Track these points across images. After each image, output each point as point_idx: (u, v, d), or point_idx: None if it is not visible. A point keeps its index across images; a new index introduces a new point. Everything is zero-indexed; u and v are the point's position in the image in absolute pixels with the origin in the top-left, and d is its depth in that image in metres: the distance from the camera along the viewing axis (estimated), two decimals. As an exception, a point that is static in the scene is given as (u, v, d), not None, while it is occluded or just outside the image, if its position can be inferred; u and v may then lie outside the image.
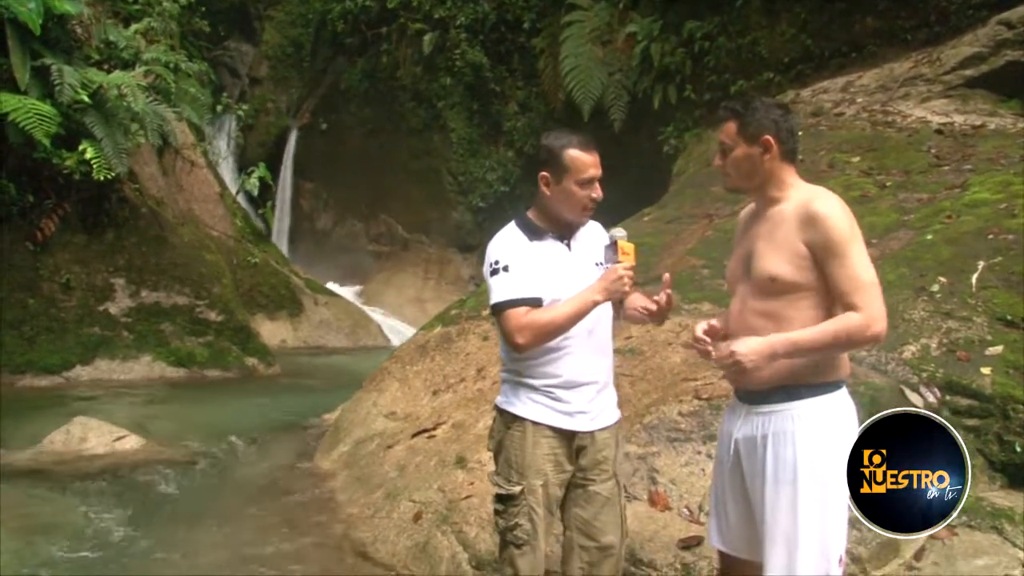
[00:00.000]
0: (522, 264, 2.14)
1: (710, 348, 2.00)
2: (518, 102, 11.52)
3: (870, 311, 1.81)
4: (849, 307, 1.83)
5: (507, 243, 2.19)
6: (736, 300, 2.04)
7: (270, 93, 14.49)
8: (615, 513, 2.27)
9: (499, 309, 2.12)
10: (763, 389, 1.93)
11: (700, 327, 2.04)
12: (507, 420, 2.23)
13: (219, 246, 9.59)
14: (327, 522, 3.93)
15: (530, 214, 2.24)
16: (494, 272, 2.15)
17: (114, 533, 3.83)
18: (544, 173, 2.17)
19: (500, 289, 2.13)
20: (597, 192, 2.17)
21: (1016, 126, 5.57)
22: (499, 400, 2.29)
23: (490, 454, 3.50)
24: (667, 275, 2.22)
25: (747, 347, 1.86)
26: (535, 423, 2.17)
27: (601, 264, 2.20)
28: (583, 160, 2.14)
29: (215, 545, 3.70)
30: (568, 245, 2.22)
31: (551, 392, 2.17)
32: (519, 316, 2.09)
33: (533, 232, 2.19)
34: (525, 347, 2.10)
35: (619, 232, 2.13)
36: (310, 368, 8.76)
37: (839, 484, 1.85)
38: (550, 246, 2.19)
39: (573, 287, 2.13)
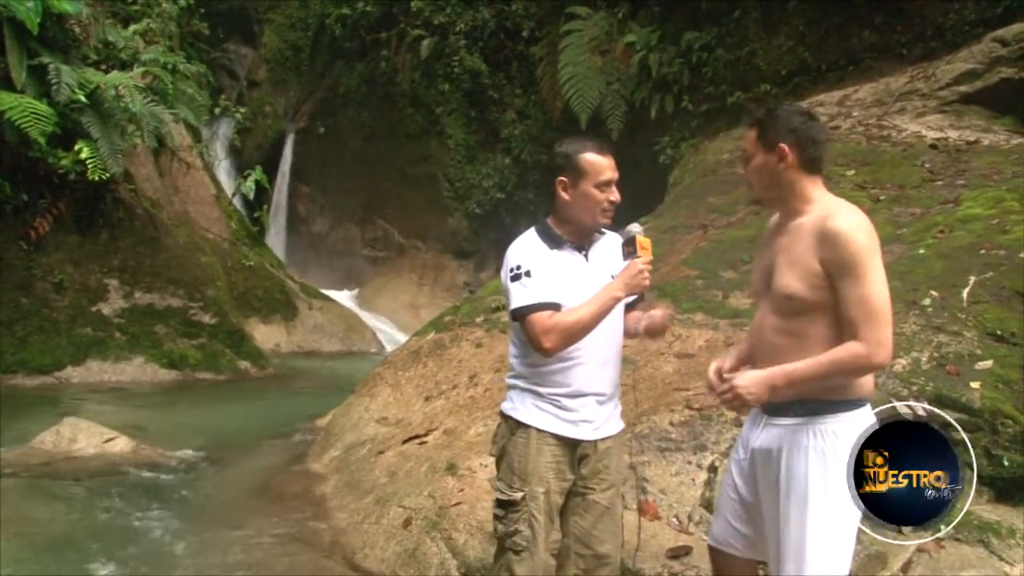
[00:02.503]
0: (544, 270, 2.14)
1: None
2: (516, 109, 11.54)
3: (876, 340, 1.75)
4: (854, 335, 1.77)
5: (528, 249, 2.19)
6: (759, 314, 2.02)
7: (268, 96, 14.49)
8: (613, 523, 2.28)
9: (522, 314, 2.12)
10: (783, 402, 1.90)
11: (712, 368, 2.01)
12: (511, 426, 2.23)
13: (214, 248, 9.58)
14: (316, 526, 3.92)
15: (549, 221, 2.25)
16: (515, 277, 2.15)
17: (100, 535, 3.81)
18: (562, 178, 2.18)
19: (522, 294, 2.13)
20: (615, 195, 2.18)
21: (1009, 143, 5.62)
22: (504, 406, 2.29)
23: (481, 462, 3.53)
24: (660, 313, 2.24)
25: (745, 380, 1.85)
26: (539, 430, 2.18)
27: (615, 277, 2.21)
28: (599, 163, 2.16)
29: (202, 548, 3.69)
30: (586, 256, 2.23)
31: (557, 400, 2.18)
32: (544, 320, 2.09)
33: (553, 240, 2.20)
34: (553, 350, 2.10)
35: (636, 227, 2.14)
36: (303, 372, 8.75)
37: (850, 502, 1.82)
38: (568, 256, 2.20)
39: (588, 297, 2.14)
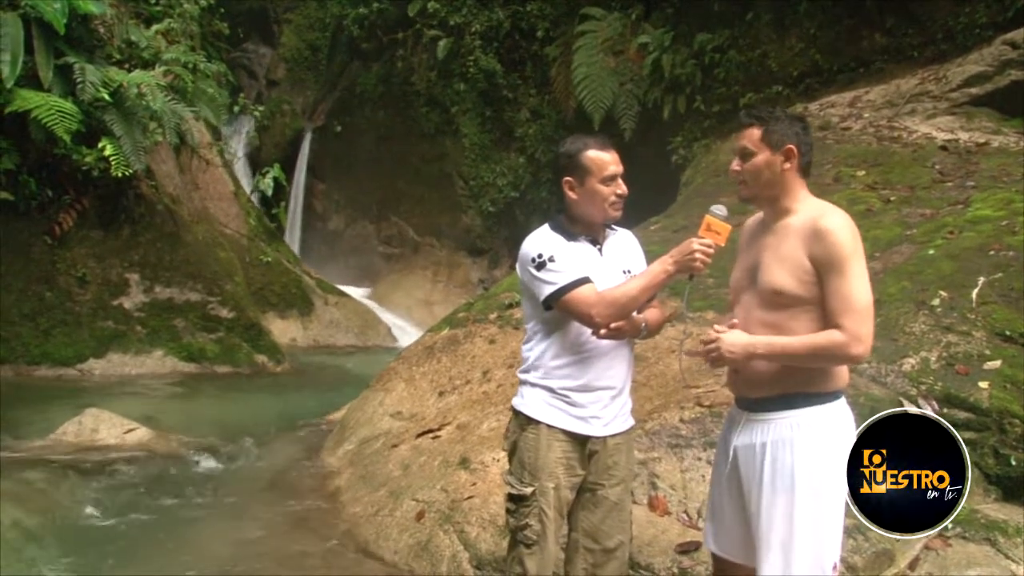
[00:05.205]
0: (564, 255, 2.18)
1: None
2: (530, 109, 11.58)
3: (856, 332, 1.83)
4: (835, 326, 1.85)
5: (546, 239, 2.23)
6: (740, 309, 2.06)
7: (286, 95, 14.61)
8: (622, 518, 2.30)
9: (559, 295, 2.13)
10: (763, 397, 1.97)
11: (715, 327, 2.03)
12: (522, 422, 2.26)
13: (232, 244, 9.69)
14: (331, 519, 3.98)
15: (563, 218, 2.29)
16: (540, 266, 2.16)
17: (120, 524, 3.90)
18: (568, 179, 2.22)
19: (553, 277, 2.14)
20: (622, 188, 2.22)
21: (1019, 144, 5.59)
22: (515, 401, 2.32)
23: (494, 456, 3.60)
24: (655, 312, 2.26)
25: (731, 339, 1.93)
26: (549, 426, 2.20)
27: (629, 272, 2.25)
28: (602, 159, 2.19)
29: (219, 539, 3.76)
30: (600, 250, 2.26)
31: (567, 396, 2.20)
32: (586, 294, 2.11)
33: (568, 234, 2.24)
34: (603, 321, 2.10)
35: (715, 208, 2.10)
36: (319, 367, 8.83)
37: (836, 492, 1.88)
38: (584, 247, 2.24)
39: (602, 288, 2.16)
